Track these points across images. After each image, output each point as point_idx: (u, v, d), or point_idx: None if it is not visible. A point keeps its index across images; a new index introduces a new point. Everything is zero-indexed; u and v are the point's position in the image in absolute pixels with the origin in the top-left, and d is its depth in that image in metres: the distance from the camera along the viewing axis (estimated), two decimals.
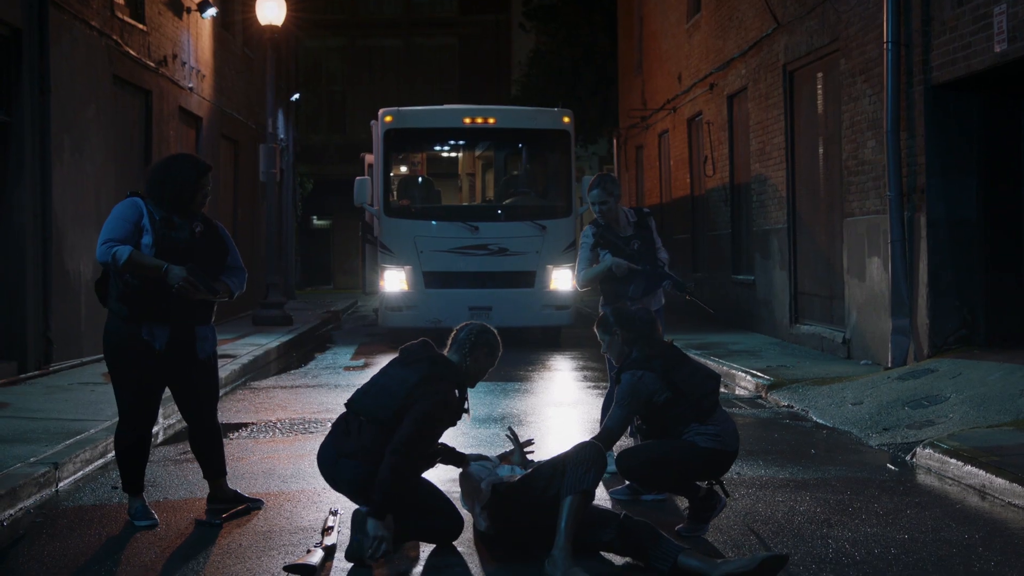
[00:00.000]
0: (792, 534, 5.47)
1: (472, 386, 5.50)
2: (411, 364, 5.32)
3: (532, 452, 5.91)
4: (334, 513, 5.62)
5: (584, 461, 4.91)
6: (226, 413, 9.54)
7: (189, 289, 5.54)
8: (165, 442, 8.18)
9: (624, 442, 6.73)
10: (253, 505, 6.04)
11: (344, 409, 5.42)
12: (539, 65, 30.46)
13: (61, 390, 9.91)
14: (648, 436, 5.58)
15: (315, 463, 7.22)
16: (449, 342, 5.54)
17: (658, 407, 5.44)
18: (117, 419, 5.84)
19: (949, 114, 10.39)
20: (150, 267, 5.52)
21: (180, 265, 5.53)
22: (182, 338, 5.72)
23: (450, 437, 6.82)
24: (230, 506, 5.95)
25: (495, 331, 5.55)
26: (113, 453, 7.25)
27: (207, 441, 6.01)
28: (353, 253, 34.31)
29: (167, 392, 5.95)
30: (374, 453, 5.10)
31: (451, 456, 5.72)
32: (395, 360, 5.44)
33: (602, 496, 5.94)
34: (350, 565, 4.93)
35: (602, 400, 7.59)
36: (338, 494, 6.28)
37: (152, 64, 14.89)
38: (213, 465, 6.02)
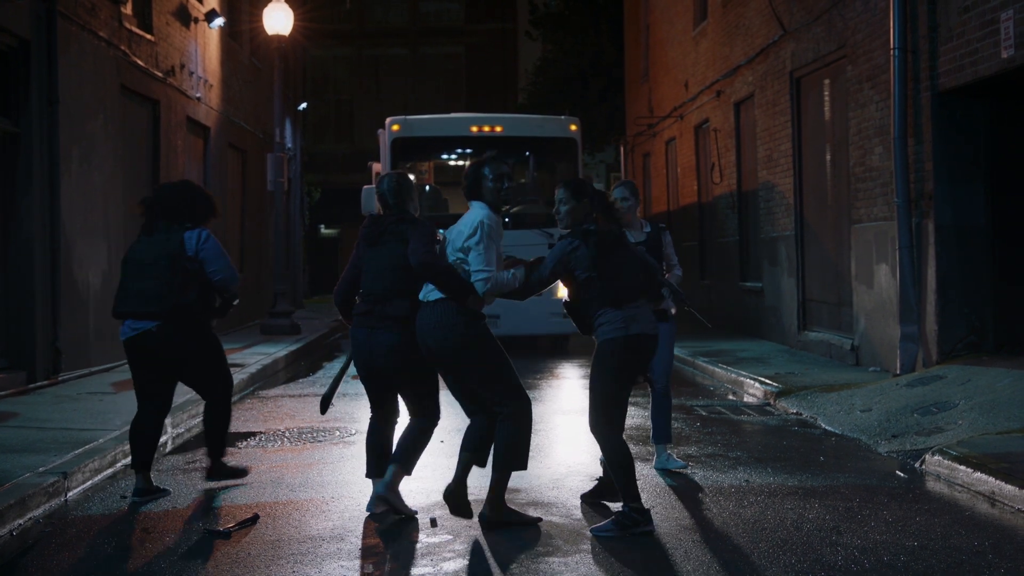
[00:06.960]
0: (801, 542, 5.46)
1: None
2: (381, 243, 5.93)
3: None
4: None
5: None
6: (235, 422, 9.51)
7: None
8: (174, 451, 8.19)
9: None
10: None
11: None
12: (545, 73, 30.51)
13: (70, 400, 9.93)
14: (571, 314, 5.86)
15: (323, 472, 7.28)
16: (381, 206, 6.04)
17: (579, 283, 5.75)
18: (127, 428, 5.93)
19: (956, 120, 10.37)
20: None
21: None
22: None
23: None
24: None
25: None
26: (122, 463, 7.32)
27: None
28: None
29: (177, 399, 6.13)
30: (405, 320, 5.78)
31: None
32: (362, 243, 6.00)
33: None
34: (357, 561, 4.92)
35: None
36: (344, 504, 6.31)
37: (160, 74, 14.94)
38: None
